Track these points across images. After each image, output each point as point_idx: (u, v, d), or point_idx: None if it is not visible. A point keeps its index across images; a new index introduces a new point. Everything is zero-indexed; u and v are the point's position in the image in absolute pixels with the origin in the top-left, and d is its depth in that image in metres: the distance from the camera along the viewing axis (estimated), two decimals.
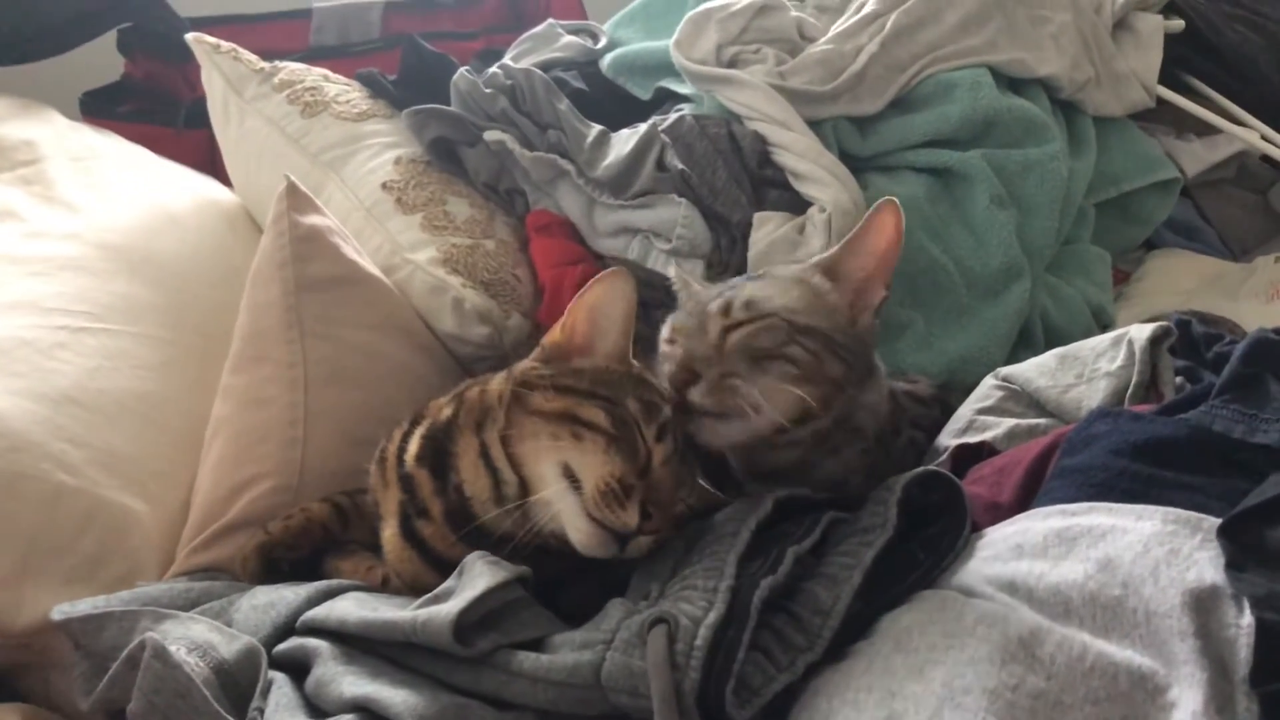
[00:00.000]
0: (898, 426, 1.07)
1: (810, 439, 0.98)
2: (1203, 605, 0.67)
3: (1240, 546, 0.69)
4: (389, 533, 0.98)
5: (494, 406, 0.96)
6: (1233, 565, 0.68)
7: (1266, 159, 1.71)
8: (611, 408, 0.91)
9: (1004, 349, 1.33)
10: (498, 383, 0.99)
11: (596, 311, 0.97)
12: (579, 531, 0.87)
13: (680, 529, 0.91)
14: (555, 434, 0.91)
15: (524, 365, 0.99)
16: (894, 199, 1.00)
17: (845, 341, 0.98)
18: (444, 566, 0.90)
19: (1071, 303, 1.44)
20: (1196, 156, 1.67)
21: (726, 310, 0.99)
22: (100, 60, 1.86)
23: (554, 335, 0.99)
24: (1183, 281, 1.57)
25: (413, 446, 0.99)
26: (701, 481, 0.96)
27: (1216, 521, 0.71)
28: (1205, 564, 0.69)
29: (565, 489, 0.89)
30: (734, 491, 0.98)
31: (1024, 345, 1.36)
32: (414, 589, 0.92)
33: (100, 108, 1.82)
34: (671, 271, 1.20)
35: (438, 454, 0.97)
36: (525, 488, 0.91)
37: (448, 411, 1.00)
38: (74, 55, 1.80)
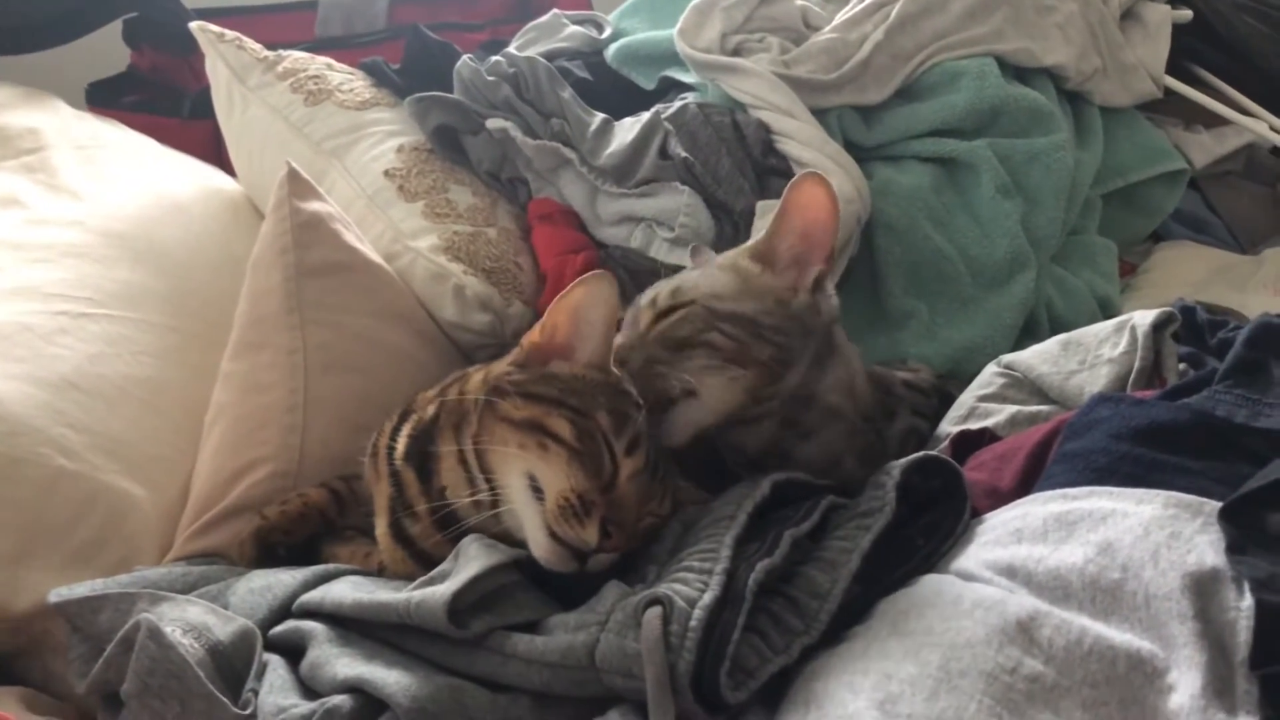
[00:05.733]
0: (893, 411, 1.06)
1: (771, 418, 0.97)
2: (1203, 588, 0.66)
3: (1241, 530, 0.69)
4: (380, 529, 0.98)
5: (470, 410, 0.94)
6: (1233, 548, 0.68)
7: (1276, 151, 1.70)
8: (579, 419, 0.89)
9: (1009, 339, 1.32)
10: (475, 385, 0.97)
11: (578, 314, 0.94)
12: (538, 545, 0.86)
13: (651, 540, 0.89)
14: (523, 443, 0.88)
15: (500, 368, 0.97)
16: (816, 172, 1.00)
17: (775, 323, 0.97)
18: (434, 565, 0.88)
19: (1077, 294, 1.43)
20: (1205, 148, 1.66)
21: (654, 302, 1.00)
22: (106, 51, 1.87)
23: (533, 336, 0.96)
24: (1190, 273, 1.55)
25: (400, 444, 0.98)
26: (685, 484, 0.95)
27: (1218, 505, 0.71)
28: (1206, 547, 0.68)
29: (529, 500, 0.87)
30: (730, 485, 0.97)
31: (1029, 336, 1.34)
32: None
33: (106, 98, 1.81)
34: (675, 259, 1.19)
35: (422, 454, 0.96)
36: (496, 494, 0.89)
37: (431, 410, 0.99)
38: (80, 46, 1.81)
